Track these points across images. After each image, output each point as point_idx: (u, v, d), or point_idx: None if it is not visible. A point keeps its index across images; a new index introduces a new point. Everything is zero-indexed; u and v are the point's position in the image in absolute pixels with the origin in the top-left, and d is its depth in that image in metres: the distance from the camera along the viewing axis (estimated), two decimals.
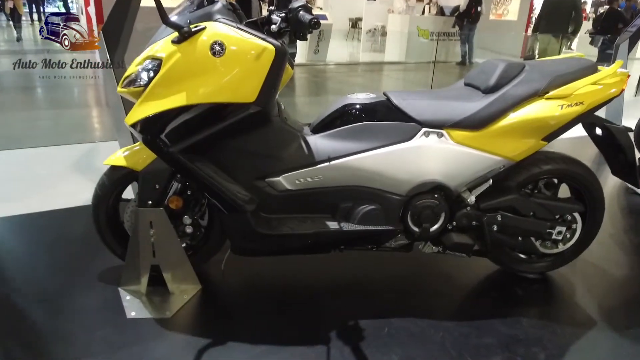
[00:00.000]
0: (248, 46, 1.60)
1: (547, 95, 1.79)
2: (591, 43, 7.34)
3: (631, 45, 4.03)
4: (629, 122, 3.07)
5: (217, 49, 1.59)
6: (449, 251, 1.99)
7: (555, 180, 2.07)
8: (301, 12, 1.58)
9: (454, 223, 1.93)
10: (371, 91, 2.00)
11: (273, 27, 1.61)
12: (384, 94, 1.99)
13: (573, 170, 2.01)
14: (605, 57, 6.73)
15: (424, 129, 1.82)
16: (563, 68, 1.84)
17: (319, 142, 1.85)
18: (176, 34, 1.62)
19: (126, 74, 1.77)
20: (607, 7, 7.51)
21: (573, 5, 6.85)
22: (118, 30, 2.24)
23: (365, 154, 1.81)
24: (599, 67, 1.89)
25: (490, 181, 1.87)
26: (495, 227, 1.95)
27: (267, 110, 1.71)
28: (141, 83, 1.68)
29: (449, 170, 1.83)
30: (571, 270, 2.25)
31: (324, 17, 9.66)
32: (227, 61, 1.60)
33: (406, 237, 1.94)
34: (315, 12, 10.97)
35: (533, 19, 14.78)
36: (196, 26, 1.60)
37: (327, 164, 1.82)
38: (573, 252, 2.14)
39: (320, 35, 9.52)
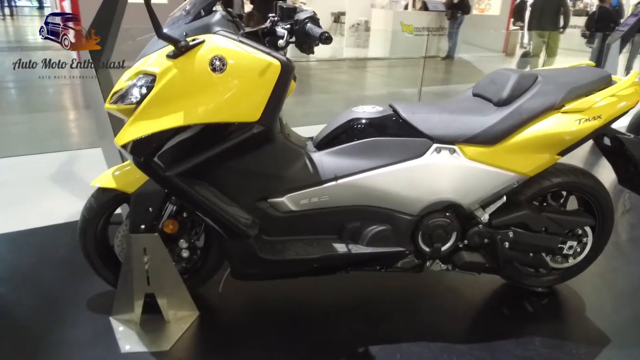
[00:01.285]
0: (252, 61, 1.48)
1: (563, 109, 1.71)
2: (587, 43, 7.37)
3: (623, 45, 4.02)
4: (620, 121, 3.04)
5: (218, 64, 1.46)
6: (460, 270, 1.91)
7: (564, 193, 2.01)
8: (309, 25, 1.47)
9: (465, 241, 1.85)
10: (376, 104, 1.90)
11: (281, 42, 1.48)
12: (390, 106, 1.89)
13: (583, 182, 1.95)
14: (598, 57, 6.77)
15: (435, 145, 1.73)
16: (578, 79, 1.76)
17: (324, 160, 1.74)
18: (171, 47, 1.48)
19: (115, 89, 1.63)
20: (599, 5, 7.54)
21: (560, 1, 6.88)
22: (105, 29, 2.08)
23: (375, 171, 1.71)
24: (613, 77, 1.83)
25: (504, 198, 1.79)
26: (507, 243, 1.87)
27: (271, 128, 1.60)
28: (133, 100, 1.54)
29: (462, 188, 1.74)
30: (579, 282, 2.19)
31: None
32: (228, 78, 1.47)
33: (416, 257, 1.85)
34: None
35: (526, 15, 14.89)
36: (194, 39, 1.47)
37: (334, 182, 1.71)
38: (581, 265, 2.09)
39: None
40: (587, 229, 1.99)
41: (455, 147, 1.73)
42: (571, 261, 2.03)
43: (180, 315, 1.86)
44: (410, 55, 9.40)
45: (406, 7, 11.69)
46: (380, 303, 2.04)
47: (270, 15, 1.77)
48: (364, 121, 1.78)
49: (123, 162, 2.25)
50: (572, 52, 8.59)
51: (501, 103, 1.76)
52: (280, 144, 1.69)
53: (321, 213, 1.74)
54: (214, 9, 1.55)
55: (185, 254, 1.84)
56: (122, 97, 1.58)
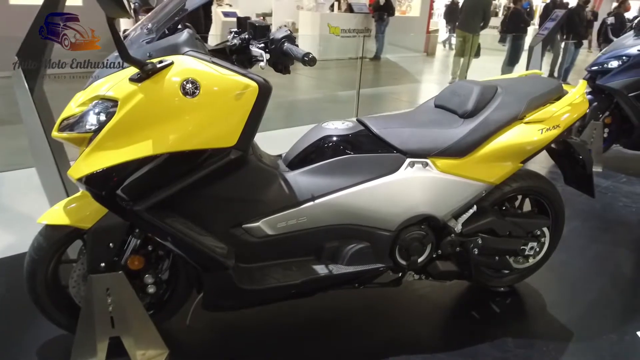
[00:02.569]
0: (227, 83, 1.38)
1: (526, 120, 1.79)
2: (500, 41, 7.85)
3: (544, 47, 4.32)
4: None
5: (190, 87, 1.34)
6: (434, 279, 1.94)
7: (519, 196, 2.11)
8: (287, 45, 1.40)
9: (439, 251, 1.88)
10: (344, 118, 1.87)
11: (262, 64, 1.40)
12: (358, 120, 1.87)
13: (539, 185, 2.06)
14: (512, 55, 7.27)
15: (408, 159, 1.73)
16: (535, 90, 1.85)
17: (299, 180, 1.68)
18: (132, 69, 1.35)
19: (64, 114, 1.45)
20: (512, 7, 8.07)
21: (484, 5, 7.31)
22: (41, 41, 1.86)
23: (352, 189, 1.68)
24: (564, 86, 1.94)
25: (475, 207, 1.84)
26: (476, 250, 1.93)
27: (247, 152, 1.51)
28: (90, 128, 1.39)
29: (437, 201, 1.76)
30: (534, 279, 2.31)
31: (235, 14, 9.31)
32: (202, 102, 1.36)
33: (393, 271, 1.85)
34: (225, 9, 10.55)
35: (436, 15, 15.60)
36: (160, 61, 1.34)
37: (311, 203, 1.65)
38: (540, 263, 2.21)
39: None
40: (545, 229, 2.11)
41: (427, 160, 1.74)
42: (531, 261, 2.14)
43: (149, 355, 1.71)
44: (340, 57, 9.52)
45: (332, 8, 11.82)
46: (355, 318, 2.02)
47: (232, 30, 1.67)
48: (336, 138, 1.74)
49: (66, 190, 2.04)
50: (488, 51, 9.14)
51: (467, 115, 1.80)
52: (254, 166, 1.61)
53: (299, 235, 1.68)
54: (179, 26, 1.43)
55: (151, 289, 1.69)
56: (75, 124, 1.42)
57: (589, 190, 2.17)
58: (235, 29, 1.68)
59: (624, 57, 3.82)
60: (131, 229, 1.59)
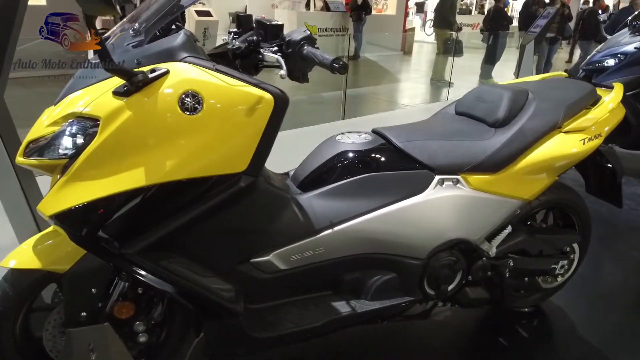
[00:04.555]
0: (236, 97, 1.13)
1: (565, 129, 1.60)
2: (483, 40, 7.78)
3: (537, 46, 4.20)
4: None
5: (190, 102, 1.09)
6: (462, 307, 1.74)
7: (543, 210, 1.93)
8: (307, 49, 1.16)
9: (469, 277, 1.67)
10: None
11: (282, 72, 1.15)
12: (375, 132, 1.64)
13: (567, 197, 1.88)
14: (491, 54, 7.20)
15: (437, 176, 1.52)
16: (570, 95, 1.67)
17: (315, 204, 1.44)
18: (117, 80, 1.09)
19: (31, 135, 1.18)
20: (494, 4, 8.01)
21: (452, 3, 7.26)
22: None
23: (376, 213, 1.45)
24: (597, 91, 1.77)
25: (510, 228, 1.64)
26: (508, 272, 1.73)
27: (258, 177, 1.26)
28: (65, 154, 1.12)
29: (471, 222, 1.56)
30: (555, 296, 2.14)
31: (209, 14, 8.96)
32: (205, 119, 1.11)
33: (419, 302, 1.63)
34: (198, 7, 10.17)
35: (411, 13, 15.56)
36: (152, 69, 1.08)
37: (329, 231, 1.42)
38: (566, 281, 2.03)
39: (206, 32, 8.80)
40: (575, 245, 1.93)
41: (459, 177, 1.53)
42: (560, 279, 1.96)
43: None
44: None
45: (307, 6, 11.58)
46: (371, 352, 1.79)
47: (231, 31, 1.42)
48: (355, 154, 1.51)
49: (37, 224, 1.74)
50: (471, 50, 9.08)
51: (498, 124, 1.60)
52: (263, 191, 1.36)
53: (316, 268, 1.44)
54: (172, 26, 1.17)
55: (142, 338, 1.42)
56: (45, 148, 1.15)
57: (616, 200, 2.00)
58: (235, 29, 1.43)
59: (620, 55, 3.72)
60: (117, 269, 1.32)
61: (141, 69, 1.09)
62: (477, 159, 1.53)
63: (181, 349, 1.55)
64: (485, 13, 10.88)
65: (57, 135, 1.13)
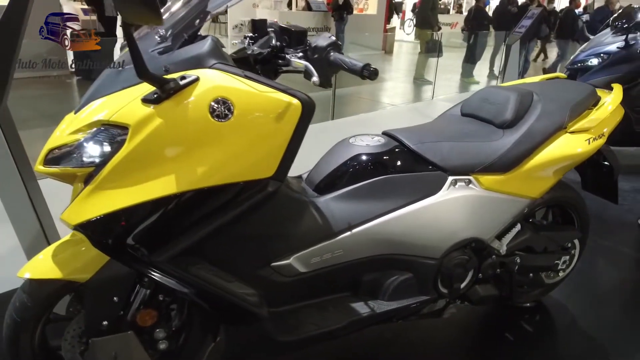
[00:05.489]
0: (266, 103, 1.14)
1: (571, 129, 1.65)
2: (464, 39, 7.90)
3: (522, 46, 4.30)
4: None
5: (221, 109, 1.09)
6: (472, 305, 1.78)
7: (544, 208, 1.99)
8: (335, 55, 1.17)
9: (480, 275, 1.71)
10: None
11: (315, 79, 1.16)
12: (386, 134, 1.67)
13: (568, 195, 1.94)
14: (471, 54, 7.32)
15: (451, 178, 1.55)
16: (573, 96, 1.72)
17: (333, 207, 1.46)
18: (145, 86, 1.08)
19: (53, 143, 1.16)
20: (475, 4, 8.14)
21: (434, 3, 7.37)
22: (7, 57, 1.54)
23: (393, 214, 1.47)
24: (598, 92, 1.83)
25: (519, 226, 1.69)
26: (516, 269, 1.78)
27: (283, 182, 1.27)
28: (92, 161, 1.11)
29: (483, 221, 1.60)
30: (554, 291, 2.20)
31: None
32: (236, 125, 1.11)
33: (433, 301, 1.66)
34: None
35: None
36: (182, 77, 1.08)
37: (348, 233, 1.44)
38: (566, 275, 2.10)
39: None
40: (575, 240, 2.00)
41: (470, 177, 1.57)
42: (561, 274, 2.03)
43: None
44: None
45: (289, 6, 11.56)
46: (383, 351, 1.82)
47: (247, 36, 1.43)
48: (371, 157, 1.53)
49: (47, 237, 1.71)
50: (445, 49, 9.22)
51: (506, 125, 1.65)
52: (284, 196, 1.37)
53: (335, 270, 1.46)
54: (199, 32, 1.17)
55: (162, 345, 1.42)
56: (69, 156, 1.13)
57: (612, 196, 2.08)
58: (250, 34, 1.43)
59: (603, 55, 3.84)
60: (139, 277, 1.32)
61: (170, 75, 1.08)
62: (489, 160, 1.57)
63: (198, 354, 1.55)
64: (466, 13, 11.05)
65: (82, 143, 1.12)
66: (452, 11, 17.80)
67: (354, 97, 7.30)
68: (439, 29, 7.96)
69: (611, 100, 1.75)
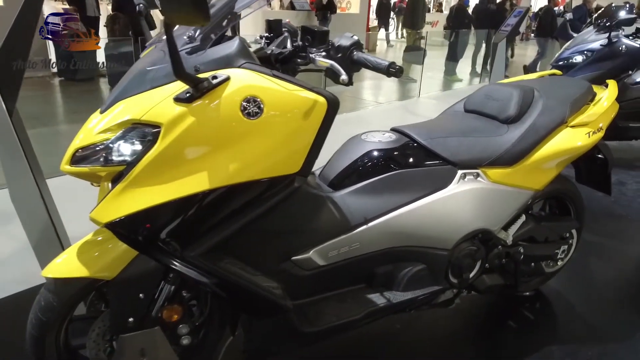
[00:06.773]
0: (294, 101, 1.17)
1: (571, 124, 1.73)
2: (445, 37, 8.03)
3: (509, 44, 4.40)
4: None
5: (251, 107, 1.12)
6: (479, 294, 1.85)
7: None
8: (358, 54, 1.21)
9: (486, 265, 1.78)
10: (380, 129, 1.72)
11: (344, 77, 1.19)
12: (395, 130, 1.72)
13: (565, 187, 2.02)
14: (454, 52, 7.45)
15: (460, 171, 1.61)
16: (572, 92, 1.80)
17: (349, 202, 1.50)
18: (177, 85, 1.11)
19: (80, 143, 1.18)
20: (457, 3, 8.28)
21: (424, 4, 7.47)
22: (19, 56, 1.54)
23: (407, 208, 1.53)
24: (594, 87, 1.91)
25: (524, 217, 1.76)
26: (521, 259, 1.85)
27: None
28: (122, 160, 1.13)
29: (491, 213, 1.66)
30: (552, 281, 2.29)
31: None
32: (266, 123, 1.15)
33: (444, 291, 1.72)
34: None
35: (371, 12, 15.75)
36: (214, 76, 1.11)
37: (364, 227, 1.48)
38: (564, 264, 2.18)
39: None
40: (573, 230, 2.08)
41: (479, 171, 1.63)
42: (560, 263, 2.11)
43: None
44: None
45: (269, 4, 11.54)
46: (391, 342, 1.87)
47: (262, 36, 1.46)
48: (383, 153, 1.58)
49: (60, 239, 1.71)
50: (427, 47, 9.35)
51: (510, 121, 1.71)
52: (304, 191, 1.40)
53: (351, 263, 1.50)
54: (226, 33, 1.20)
55: (185, 340, 1.44)
56: (99, 155, 1.15)
57: (605, 188, 2.17)
58: (266, 34, 1.46)
59: (587, 52, 3.97)
60: (166, 275, 1.34)
61: (203, 75, 1.11)
62: (495, 154, 1.63)
63: (217, 349, 1.58)
64: (447, 11, 11.22)
65: (113, 142, 1.13)
66: (432, 10, 18.01)
67: (342, 96, 7.30)
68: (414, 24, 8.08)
69: (607, 96, 1.84)
